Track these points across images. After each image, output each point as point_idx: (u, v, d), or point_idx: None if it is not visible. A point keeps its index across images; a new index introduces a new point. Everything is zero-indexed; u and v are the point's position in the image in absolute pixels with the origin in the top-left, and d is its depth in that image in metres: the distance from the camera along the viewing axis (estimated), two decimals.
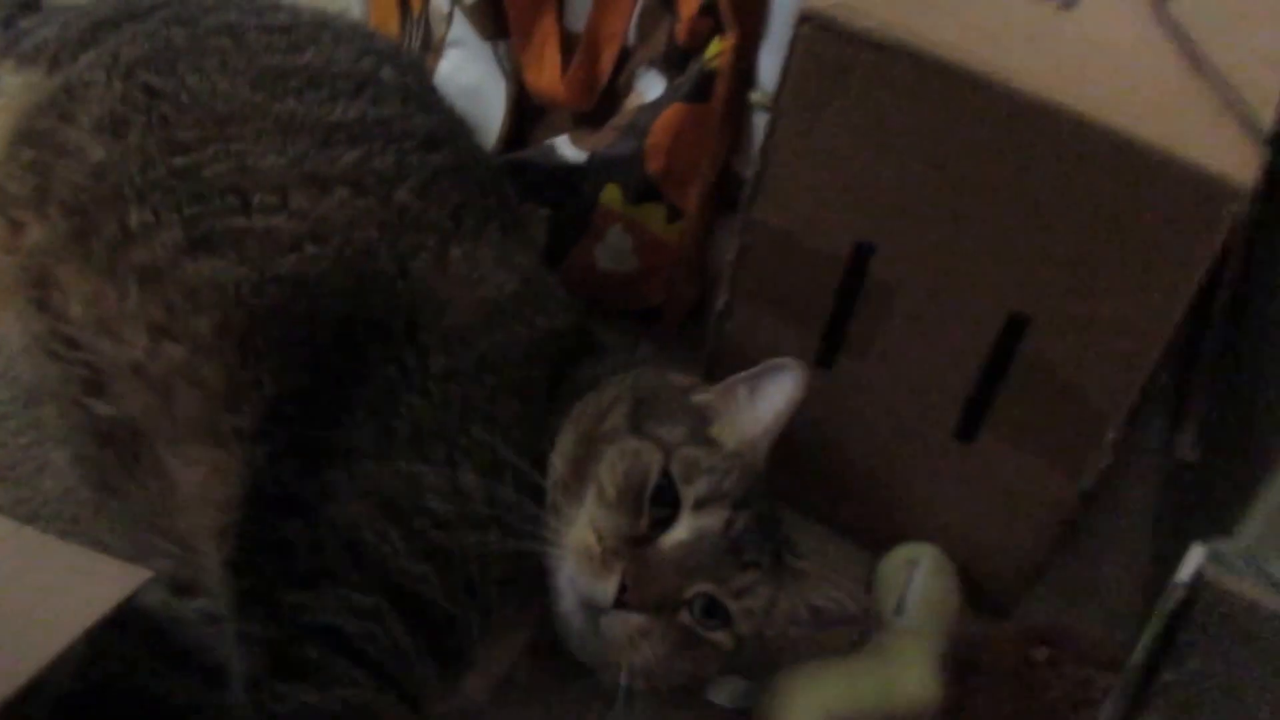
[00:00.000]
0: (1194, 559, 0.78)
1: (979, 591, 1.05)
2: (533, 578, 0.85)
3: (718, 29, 1.08)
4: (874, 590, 1.04)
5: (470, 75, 1.24)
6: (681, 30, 1.10)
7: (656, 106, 1.12)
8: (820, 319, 1.02)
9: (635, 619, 0.81)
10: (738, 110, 1.11)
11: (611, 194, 1.15)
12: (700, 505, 0.83)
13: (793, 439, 0.93)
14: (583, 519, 0.83)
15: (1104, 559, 1.14)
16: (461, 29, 1.24)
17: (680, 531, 0.83)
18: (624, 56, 1.17)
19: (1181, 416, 0.92)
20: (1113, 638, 0.99)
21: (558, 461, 0.86)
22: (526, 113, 1.24)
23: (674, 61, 1.12)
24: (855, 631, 1.01)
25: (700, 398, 0.92)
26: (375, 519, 0.81)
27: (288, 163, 0.88)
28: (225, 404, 0.84)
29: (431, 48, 1.27)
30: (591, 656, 0.86)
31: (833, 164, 0.94)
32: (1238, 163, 0.82)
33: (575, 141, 1.18)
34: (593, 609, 0.81)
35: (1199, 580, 0.77)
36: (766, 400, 0.90)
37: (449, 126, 1.03)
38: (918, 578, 1.03)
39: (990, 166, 0.88)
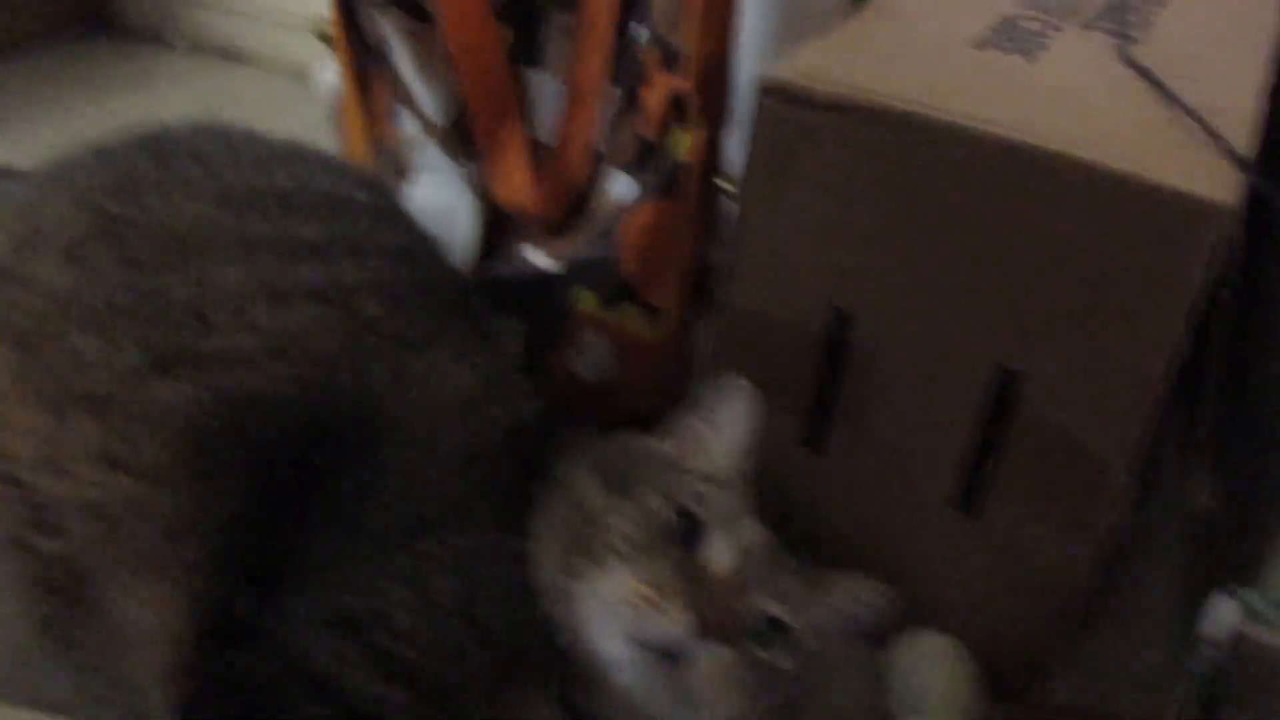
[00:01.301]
0: (1225, 613, 0.75)
1: (995, 674, 0.99)
2: (526, 676, 0.80)
3: (684, 122, 1.07)
4: (884, 685, 0.98)
5: (442, 198, 1.23)
6: (649, 127, 1.09)
7: (627, 206, 1.11)
8: (806, 399, 0.98)
9: (724, 654, 0.76)
10: (710, 203, 1.10)
11: (586, 299, 1.13)
12: (726, 522, 0.82)
13: (789, 523, 0.88)
14: (616, 579, 0.78)
15: (1129, 628, 1.08)
16: (432, 154, 1.23)
17: (721, 548, 0.80)
18: (594, 161, 1.16)
19: (1192, 462, 0.88)
20: (1142, 711, 0.93)
21: (547, 565, 0.82)
22: (498, 228, 1.23)
23: (643, 160, 1.11)
24: None
25: (661, 447, 0.89)
26: (334, 641, 0.76)
27: (250, 278, 0.85)
28: (175, 534, 0.79)
29: (402, 174, 1.27)
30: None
31: (804, 234, 0.93)
32: (1218, 185, 0.81)
33: (547, 251, 1.16)
34: (670, 655, 0.76)
35: (1236, 636, 0.74)
36: (730, 425, 0.88)
37: (420, 243, 1.02)
38: (928, 669, 0.97)
39: (965, 216, 0.86)
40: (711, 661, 0.76)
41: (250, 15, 2.07)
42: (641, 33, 1.10)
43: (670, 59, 1.06)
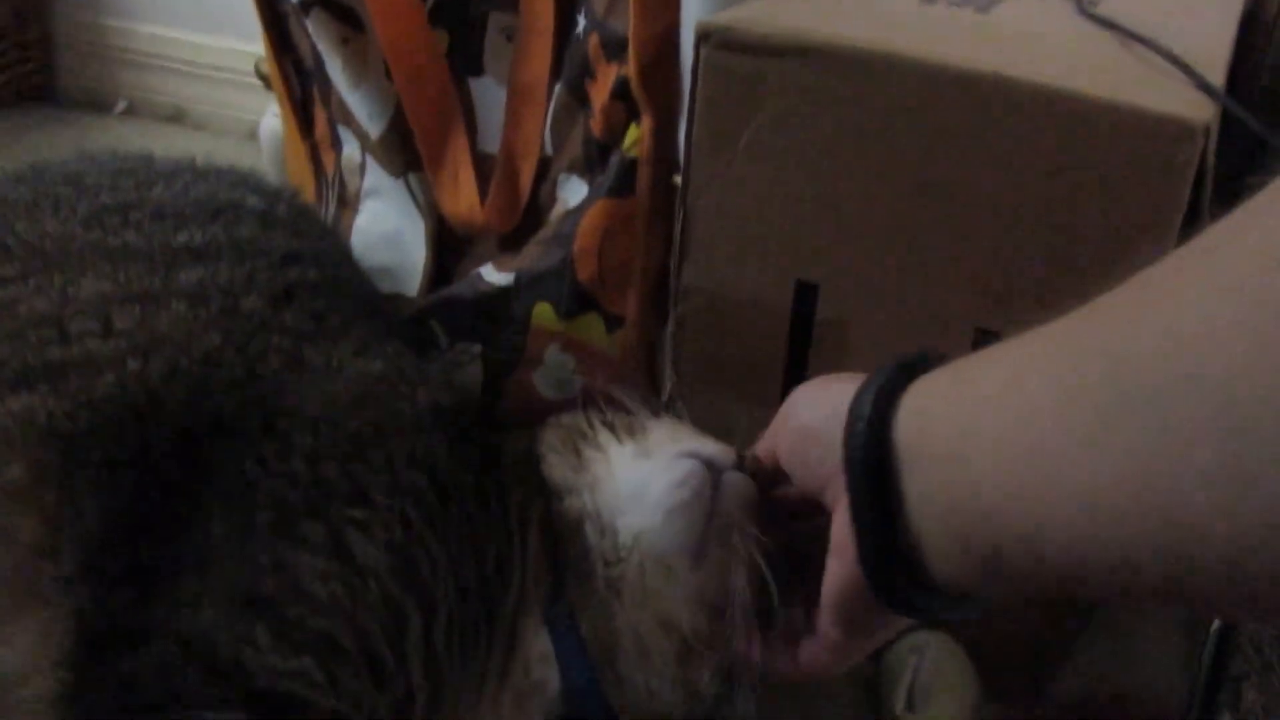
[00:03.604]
0: None
1: (995, 673, 0.91)
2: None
3: (633, 114, 1.02)
4: (880, 689, 0.91)
5: (389, 222, 1.18)
6: (596, 123, 1.04)
7: (580, 210, 1.05)
8: (774, 384, 0.91)
9: (749, 481, 0.74)
10: (667, 201, 1.04)
11: (543, 313, 1.06)
12: None
13: None
14: (664, 427, 0.79)
15: (1131, 627, 1.00)
16: (375, 177, 1.18)
17: None
18: (543, 168, 1.11)
19: None
20: (1145, 710, 0.86)
21: (558, 468, 0.80)
22: (449, 248, 1.17)
23: (594, 159, 1.05)
24: None
25: None
26: (234, 619, 0.69)
27: (115, 287, 0.82)
28: (44, 553, 0.73)
29: (347, 203, 1.21)
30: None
31: (758, 199, 0.86)
32: (1193, 107, 0.75)
33: (500, 266, 1.09)
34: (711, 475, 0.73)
35: None
36: None
37: (316, 248, 0.97)
38: (925, 666, 0.90)
39: (932, 163, 0.80)
40: (740, 483, 0.73)
41: (194, 73, 2.05)
42: (582, 22, 1.05)
43: (613, 47, 1.01)
